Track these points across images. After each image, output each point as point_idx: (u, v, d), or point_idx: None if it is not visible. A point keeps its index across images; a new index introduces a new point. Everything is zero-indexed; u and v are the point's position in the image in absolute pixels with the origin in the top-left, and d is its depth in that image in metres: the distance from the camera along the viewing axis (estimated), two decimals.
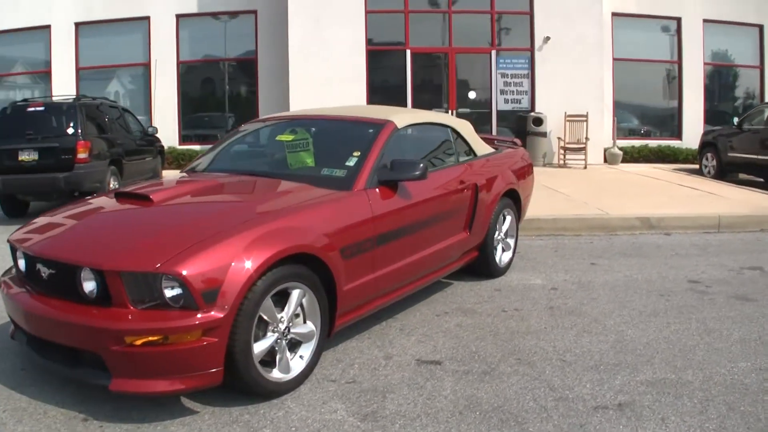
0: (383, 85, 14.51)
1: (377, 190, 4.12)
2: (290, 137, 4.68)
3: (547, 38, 13.32)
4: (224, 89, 15.84)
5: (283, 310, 3.43)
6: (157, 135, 11.90)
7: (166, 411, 3.23)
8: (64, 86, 14.82)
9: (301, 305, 3.55)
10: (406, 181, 4.20)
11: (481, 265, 5.53)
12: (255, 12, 14.91)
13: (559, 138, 13.07)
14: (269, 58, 14.71)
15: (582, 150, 12.68)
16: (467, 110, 13.98)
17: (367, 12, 13.64)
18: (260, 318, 3.26)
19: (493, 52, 13.83)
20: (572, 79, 13.21)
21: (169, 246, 3.14)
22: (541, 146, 13.15)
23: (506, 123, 14.02)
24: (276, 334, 3.37)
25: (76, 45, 15.10)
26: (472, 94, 14.17)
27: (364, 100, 13.86)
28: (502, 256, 5.73)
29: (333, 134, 4.84)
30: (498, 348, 4.06)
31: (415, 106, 13.85)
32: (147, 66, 15.15)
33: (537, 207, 8.07)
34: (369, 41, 13.81)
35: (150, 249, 3.16)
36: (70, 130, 8.85)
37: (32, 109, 9.07)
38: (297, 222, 3.54)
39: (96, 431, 3.05)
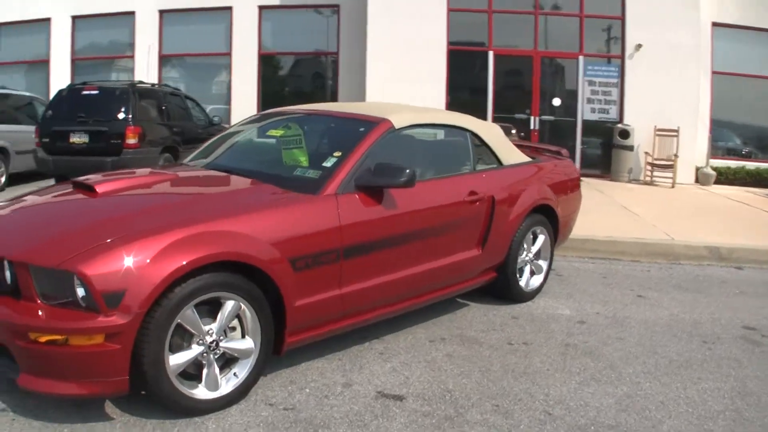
0: (463, 86, 13.85)
1: (356, 196, 3.62)
2: (280, 132, 4.30)
3: (639, 45, 12.23)
4: (304, 83, 15.72)
5: (215, 321, 3.08)
6: (224, 125, 11.85)
7: (83, 413, 3.03)
8: (146, 72, 15.14)
9: (240, 318, 3.18)
10: (390, 188, 3.67)
11: (501, 289, 4.88)
12: (338, 6, 14.67)
13: (646, 153, 11.96)
14: (350, 54, 14.42)
15: (671, 167, 11.53)
16: (551, 118, 13.14)
17: (449, 10, 13.06)
18: (183, 328, 2.95)
19: (581, 58, 12.87)
20: (664, 91, 12.05)
21: (81, 242, 2.89)
22: (626, 161, 12.08)
23: (592, 134, 13.02)
24: (201, 347, 3.04)
25: (160, 32, 15.40)
26: (556, 101, 13.27)
27: (443, 102, 13.26)
28: (530, 280, 5.04)
29: (324, 132, 4.38)
30: (479, 389, 3.44)
31: (496, 110, 13.20)
32: (228, 56, 15.24)
33: (597, 225, 7.30)
34: (450, 41, 13.22)
35: (62, 244, 2.92)
36: (121, 115, 8.87)
37: (87, 92, 9.19)
38: (236, 226, 3.13)
39: (7, 423, 2.92)
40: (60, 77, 15.62)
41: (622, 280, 5.78)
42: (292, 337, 3.36)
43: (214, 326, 3.07)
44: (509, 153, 4.92)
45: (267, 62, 15.41)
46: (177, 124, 10.16)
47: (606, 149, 12.59)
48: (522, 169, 4.92)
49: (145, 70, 15.33)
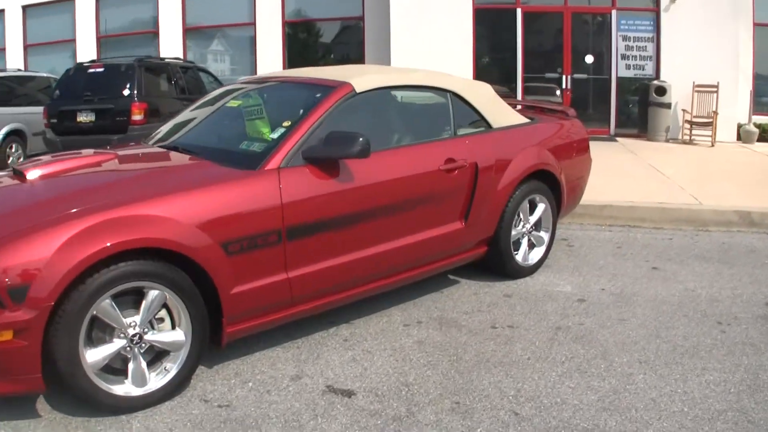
0: (491, 46, 13.24)
1: (305, 170, 3.24)
2: (237, 104, 3.94)
3: None
4: (330, 50, 15.28)
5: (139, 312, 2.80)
6: None
7: (11, 411, 2.82)
8: (171, 47, 14.95)
9: (169, 309, 2.87)
10: (342, 159, 3.27)
11: (495, 264, 4.45)
12: None
13: (684, 110, 11.15)
14: (376, 18, 13.87)
15: (710, 125, 10.70)
16: (584, 76, 12.39)
17: None
18: (103, 321, 2.71)
19: (614, 12, 12.03)
20: (703, 45, 11.13)
21: None
22: (663, 119, 11.28)
23: (627, 92, 12.23)
24: (124, 341, 2.78)
25: (183, 5, 15.14)
26: (589, 59, 12.48)
27: (470, 65, 12.66)
28: (528, 254, 4.58)
29: (282, 100, 3.97)
30: (443, 383, 3.04)
31: (526, 70, 12.56)
32: (252, 26, 14.90)
33: (620, 190, 6.77)
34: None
35: None
36: (126, 92, 8.65)
37: (93, 70, 9.03)
38: (158, 209, 2.82)
39: None
40: (86, 56, 15.58)
41: (638, 251, 5.25)
42: (232, 326, 3.04)
43: (137, 318, 2.78)
44: (500, 115, 4.42)
45: (292, 30, 15.02)
46: (189, 98, 9.89)
47: (642, 107, 11.79)
48: (514, 132, 4.42)
49: (170, 44, 15.18)
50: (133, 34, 16.17)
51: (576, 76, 12.41)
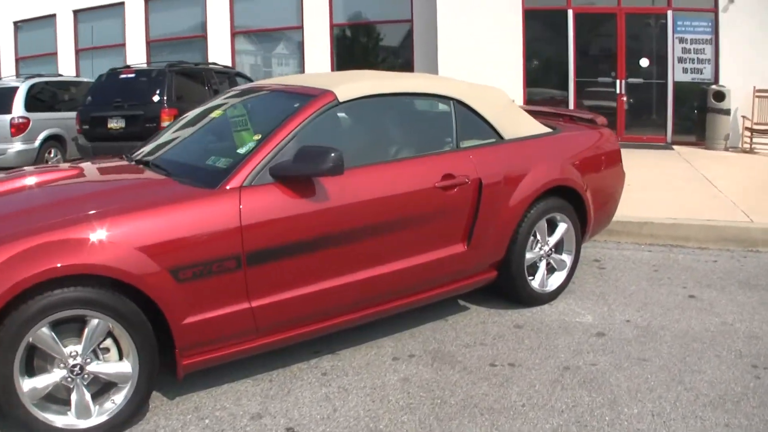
0: (541, 49, 12.69)
1: (273, 188, 2.96)
2: (218, 114, 3.71)
3: None
4: (378, 53, 15.01)
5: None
6: None
7: None
8: (219, 50, 15.03)
9: (114, 338, 2.64)
10: (311, 176, 2.96)
11: (507, 290, 4.06)
12: None
13: (744, 117, 10.36)
14: (424, 20, 13.53)
15: None
16: (639, 80, 11.71)
17: None
18: (41, 350, 2.54)
19: (670, 13, 11.32)
20: (764, 47, 10.34)
21: None
22: (722, 126, 10.52)
23: (684, 97, 11.49)
24: (64, 371, 2.58)
25: (231, 9, 15.16)
26: (644, 62, 11.79)
27: (520, 68, 12.21)
28: (546, 279, 4.16)
29: (265, 111, 3.67)
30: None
31: (578, 74, 11.99)
32: (300, 29, 14.80)
33: (662, 204, 6.25)
34: (526, 0, 12.08)
35: None
36: (156, 98, 8.59)
37: (124, 76, 9.01)
38: (98, 232, 2.57)
39: None
40: (136, 60, 15.82)
41: (676, 275, 4.74)
42: (188, 358, 2.77)
43: (78, 348, 2.56)
44: (514, 124, 4.01)
45: (340, 33, 14.85)
46: None
47: (701, 114, 11.04)
48: (530, 144, 4.01)
49: (218, 47, 15.23)
50: (182, 38, 16.32)
51: (630, 80, 11.75)
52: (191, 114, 4.18)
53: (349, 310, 3.22)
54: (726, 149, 10.45)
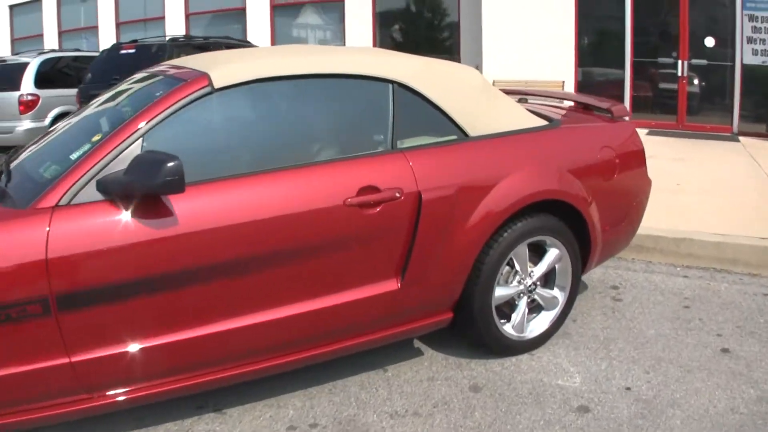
0: (595, 25, 11.44)
1: (104, 208, 2.15)
2: (105, 105, 2.86)
3: None
4: (422, 25, 13.96)
5: None
6: None
7: None
8: (258, 23, 14.40)
9: None
10: (143, 193, 2.12)
11: (470, 335, 3.10)
12: None
13: None
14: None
15: None
16: (703, 62, 10.32)
17: None
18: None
19: None
20: None
21: None
22: None
23: (754, 81, 10.04)
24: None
25: None
26: (709, 42, 10.37)
27: (572, 47, 11.08)
28: (528, 322, 3.18)
29: (134, 102, 2.75)
30: None
31: (635, 53, 10.73)
32: (341, 3, 13.94)
33: (709, 213, 5.13)
34: None
35: None
36: None
37: (124, 51, 8.36)
38: None
39: None
40: (174, 30, 15.37)
41: (712, 314, 3.65)
42: None
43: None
44: (487, 116, 3.00)
45: (382, 5, 13.87)
46: None
47: None
48: (506, 142, 2.99)
49: (257, 21, 14.57)
50: (221, 11, 15.75)
51: (694, 61, 10.37)
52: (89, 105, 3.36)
53: (222, 363, 2.36)
54: None
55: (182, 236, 2.17)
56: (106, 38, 16.68)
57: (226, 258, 2.26)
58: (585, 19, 11.16)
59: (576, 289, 3.33)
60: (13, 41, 19.23)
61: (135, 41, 9.22)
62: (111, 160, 2.19)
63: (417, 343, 3.25)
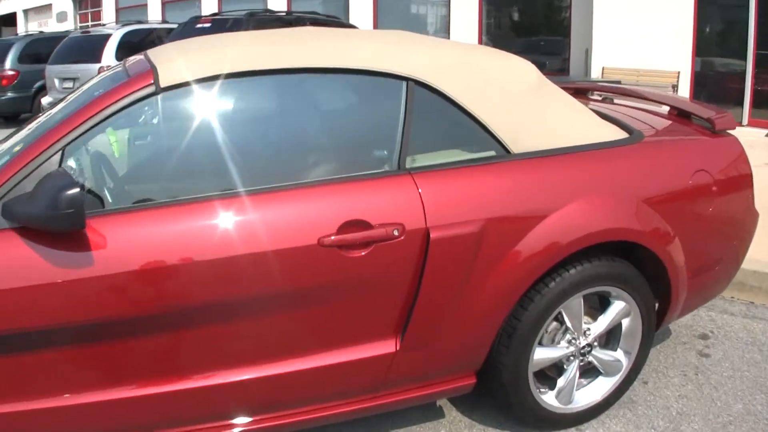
0: (717, 15, 10.35)
1: (8, 237, 1.72)
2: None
3: None
4: (533, 8, 13.04)
5: None
6: None
7: None
8: (360, 5, 14.04)
9: None
10: (35, 227, 1.63)
11: (499, 404, 2.45)
12: None
13: None
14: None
15: None
16: None
17: None
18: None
19: None
20: None
21: None
22: None
23: None
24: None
25: None
26: None
27: (690, 33, 10.10)
28: (575, 390, 2.50)
29: (77, 101, 2.26)
30: None
31: (759, 44, 9.55)
32: None
33: None
34: None
35: None
36: None
37: (200, 25, 8.09)
38: None
39: None
40: (278, 6, 15.16)
41: None
42: None
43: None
44: (539, 125, 2.29)
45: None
46: None
47: None
48: (560, 162, 2.27)
49: (359, 2, 14.22)
50: None
51: None
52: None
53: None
54: None
55: (95, 279, 1.66)
56: (154, 14, 16.72)
57: (157, 309, 1.73)
58: (705, 5, 10.13)
59: (647, 350, 2.59)
60: (117, 10, 19.71)
61: (215, 14, 8.92)
62: (22, 179, 1.72)
63: (439, 404, 2.64)
